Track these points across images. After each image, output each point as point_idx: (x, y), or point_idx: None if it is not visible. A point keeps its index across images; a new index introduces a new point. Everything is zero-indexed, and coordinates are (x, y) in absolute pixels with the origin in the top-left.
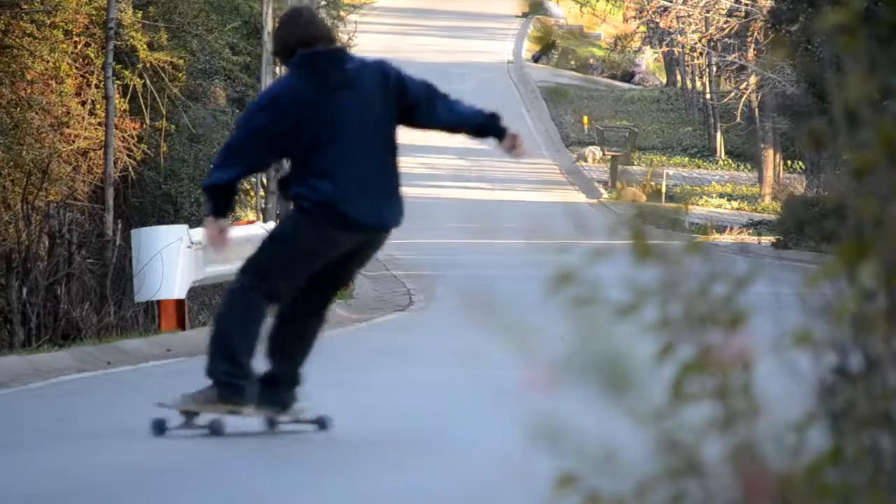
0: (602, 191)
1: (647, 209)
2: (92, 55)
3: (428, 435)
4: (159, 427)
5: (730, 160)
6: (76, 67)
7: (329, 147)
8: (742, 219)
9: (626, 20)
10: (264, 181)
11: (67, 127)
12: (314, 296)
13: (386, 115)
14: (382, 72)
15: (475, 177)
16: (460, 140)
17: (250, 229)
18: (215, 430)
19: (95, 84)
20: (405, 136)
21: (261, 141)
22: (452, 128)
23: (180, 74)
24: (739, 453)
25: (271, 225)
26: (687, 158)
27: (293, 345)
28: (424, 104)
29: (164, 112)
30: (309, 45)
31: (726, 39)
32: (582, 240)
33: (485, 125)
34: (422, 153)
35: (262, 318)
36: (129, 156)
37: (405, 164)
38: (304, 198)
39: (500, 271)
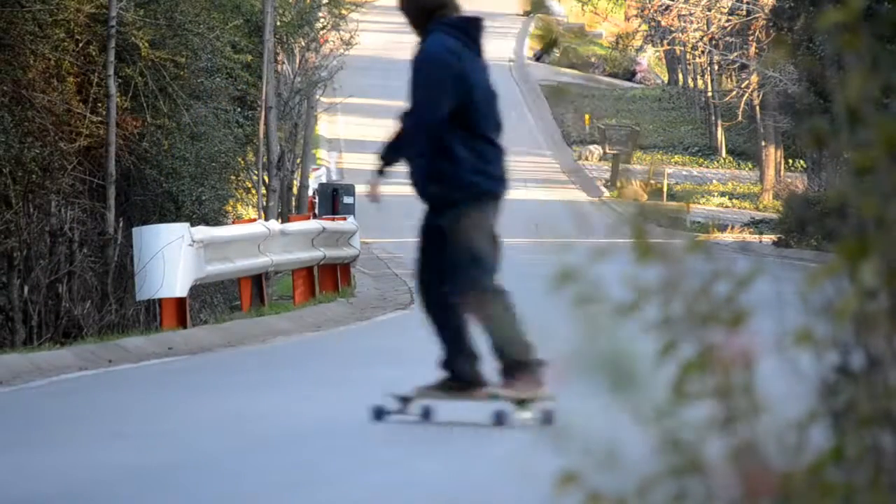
0: (603, 189)
1: (649, 208)
2: (93, 53)
3: (430, 433)
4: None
5: (731, 159)
6: (77, 65)
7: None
8: (743, 217)
9: (627, 19)
10: (266, 179)
11: (69, 125)
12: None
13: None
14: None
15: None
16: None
17: (250, 227)
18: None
19: (97, 82)
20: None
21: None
22: None
23: (182, 72)
24: (741, 452)
25: (273, 224)
26: (688, 157)
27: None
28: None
29: (165, 110)
30: (445, 11)
31: (728, 38)
32: (583, 238)
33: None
34: None
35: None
36: (130, 154)
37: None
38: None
39: (502, 270)
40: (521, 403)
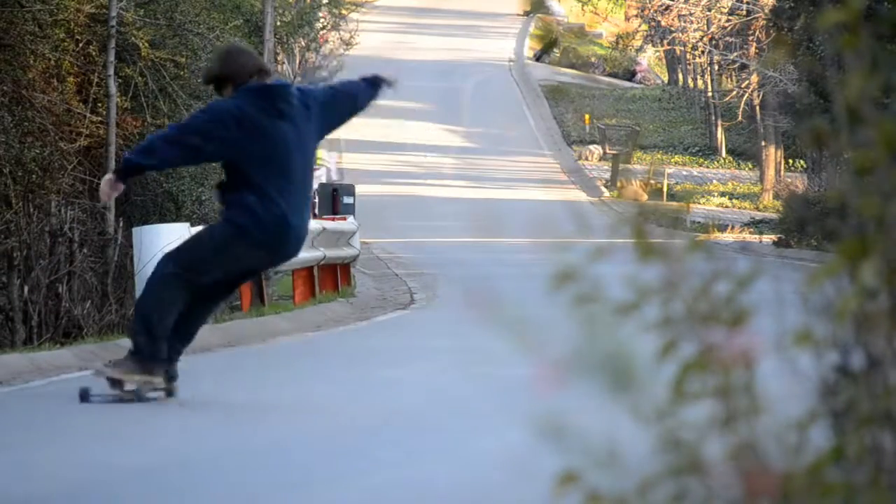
0: (603, 189)
1: (649, 208)
2: (93, 53)
3: (430, 433)
4: (84, 395)
5: (731, 159)
6: (77, 65)
7: (267, 167)
8: (743, 217)
9: (627, 18)
10: None
11: (69, 125)
12: (220, 289)
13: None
14: (304, 102)
15: (457, 174)
16: (434, 138)
17: None
18: (140, 397)
19: (97, 82)
20: (395, 134)
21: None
22: (361, 108)
23: (182, 72)
24: (741, 452)
25: None
26: (688, 157)
27: (193, 325)
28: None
29: (165, 110)
30: (258, 76)
31: (728, 38)
32: (583, 238)
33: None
34: (403, 151)
35: (180, 302)
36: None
37: (394, 161)
38: (241, 212)
39: (502, 270)
40: (115, 383)
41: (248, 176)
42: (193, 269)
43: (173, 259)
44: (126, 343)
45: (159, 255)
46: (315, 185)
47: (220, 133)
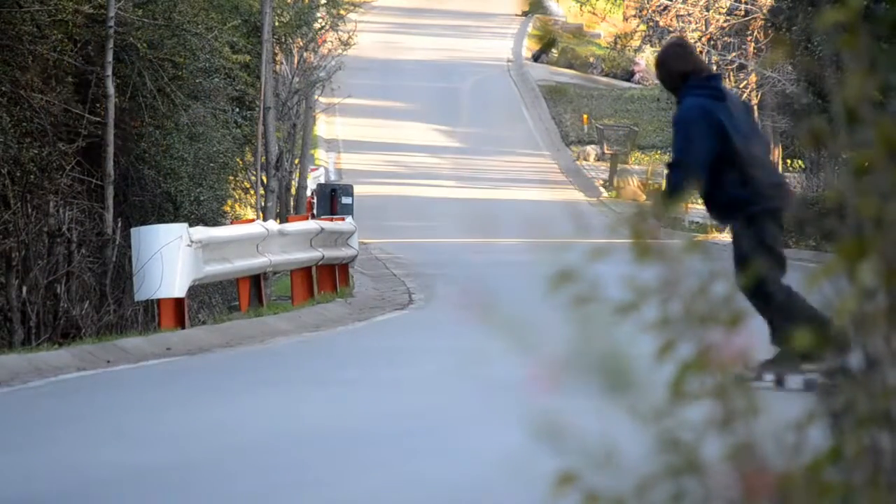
0: (602, 189)
1: (647, 208)
2: (92, 53)
3: (428, 433)
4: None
5: None
6: (76, 66)
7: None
8: None
9: (625, 19)
10: (264, 179)
11: (67, 125)
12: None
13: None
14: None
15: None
16: (433, 138)
17: (249, 228)
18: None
19: (95, 82)
20: (394, 135)
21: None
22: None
23: (180, 73)
24: (739, 452)
25: (271, 224)
26: None
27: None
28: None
29: (163, 110)
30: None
31: (726, 38)
32: (582, 238)
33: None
34: (396, 151)
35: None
36: (128, 154)
37: (393, 162)
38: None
39: (500, 270)
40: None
41: None
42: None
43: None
44: (125, 344)
45: (157, 256)
46: (313, 186)
47: None
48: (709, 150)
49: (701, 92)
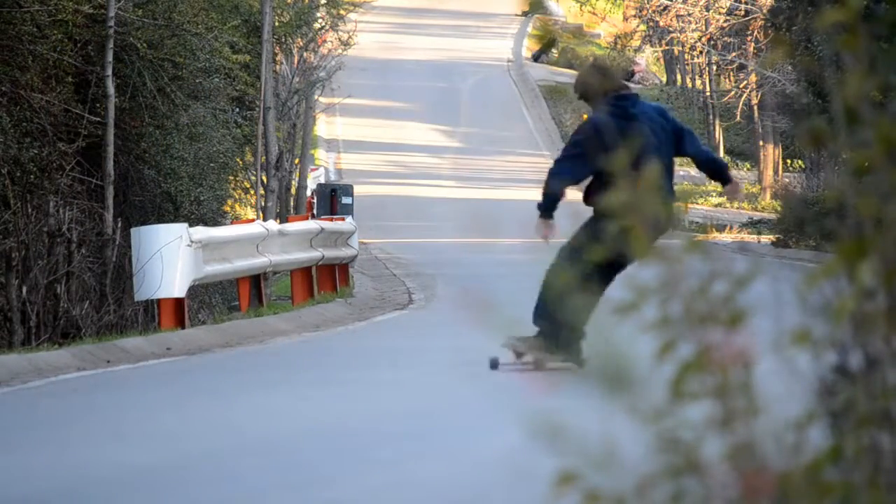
0: None
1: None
2: (92, 53)
3: (428, 433)
4: (494, 364)
5: (730, 158)
6: (76, 66)
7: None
8: (742, 217)
9: (626, 19)
10: (264, 179)
11: (67, 125)
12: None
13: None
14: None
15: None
16: (433, 138)
17: (249, 228)
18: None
19: (95, 82)
20: (394, 135)
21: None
22: (700, 163)
23: (180, 73)
24: (739, 452)
25: (271, 224)
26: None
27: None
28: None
29: (163, 110)
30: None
31: (726, 38)
32: None
33: (722, 170)
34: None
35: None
36: (128, 154)
37: (393, 162)
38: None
39: (500, 270)
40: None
41: None
42: None
43: None
44: (124, 344)
45: (157, 256)
46: (313, 186)
47: None
48: (582, 164)
49: (607, 109)
